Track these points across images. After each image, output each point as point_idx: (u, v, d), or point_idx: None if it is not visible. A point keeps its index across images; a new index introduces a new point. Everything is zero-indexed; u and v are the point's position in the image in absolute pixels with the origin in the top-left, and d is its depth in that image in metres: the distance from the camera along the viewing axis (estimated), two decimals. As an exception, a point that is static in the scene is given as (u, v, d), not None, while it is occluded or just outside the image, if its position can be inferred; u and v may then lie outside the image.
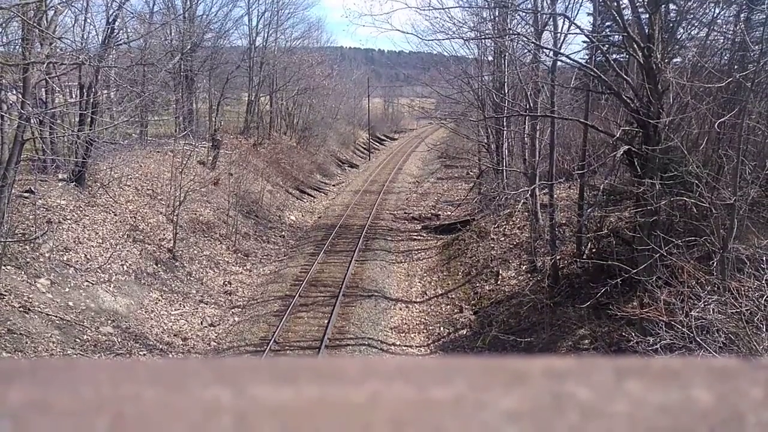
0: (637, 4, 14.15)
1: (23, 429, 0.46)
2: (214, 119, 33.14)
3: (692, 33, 15.97)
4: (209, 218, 23.18)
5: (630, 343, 10.10)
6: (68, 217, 17.20)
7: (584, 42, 24.26)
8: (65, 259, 15.67)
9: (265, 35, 38.83)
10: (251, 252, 22.80)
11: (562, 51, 18.40)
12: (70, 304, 14.41)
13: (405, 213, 30.02)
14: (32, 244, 15.15)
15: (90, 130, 17.71)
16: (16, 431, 0.46)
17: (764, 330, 8.20)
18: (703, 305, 8.90)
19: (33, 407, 0.48)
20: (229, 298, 18.50)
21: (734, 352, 8.19)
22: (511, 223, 21.93)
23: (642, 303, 11.93)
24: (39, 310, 13.41)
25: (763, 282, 8.65)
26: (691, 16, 14.98)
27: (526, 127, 21.99)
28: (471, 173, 34.86)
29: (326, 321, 15.62)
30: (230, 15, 37.55)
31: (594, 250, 16.77)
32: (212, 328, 16.31)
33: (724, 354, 8.07)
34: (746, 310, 8.45)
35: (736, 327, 8.50)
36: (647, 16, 13.99)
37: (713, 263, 10.98)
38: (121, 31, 21.61)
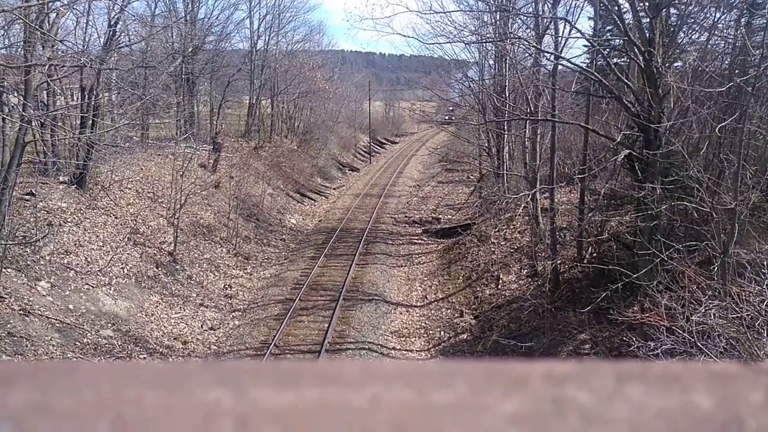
0: (638, 8, 14.18)
1: (24, 431, 0.46)
2: (215, 122, 33.18)
3: (693, 37, 16.00)
4: (210, 221, 23.19)
5: (631, 348, 10.08)
6: (69, 220, 17.21)
7: (585, 46, 24.30)
8: (66, 262, 15.67)
9: (267, 38, 38.94)
10: (252, 255, 22.80)
11: (563, 55, 18.44)
12: (71, 307, 14.41)
13: (406, 216, 30.01)
14: (33, 247, 15.16)
15: (91, 132, 17.74)
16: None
17: (765, 335, 8.18)
18: (704, 310, 8.88)
19: (34, 409, 0.48)
20: (230, 301, 18.48)
21: (735, 357, 8.17)
22: (511, 227, 21.92)
23: (643, 308, 11.91)
24: (39, 313, 13.41)
25: (764, 287, 8.64)
26: (692, 20, 15.00)
27: (527, 130, 22.01)
28: (472, 177, 34.86)
29: (327, 325, 15.60)
30: (232, 18, 37.55)
31: (595, 255, 16.76)
32: (212, 331, 16.29)
33: (725, 359, 8.06)
34: (747, 315, 8.44)
35: (737, 332, 8.48)
36: (648, 20, 14.02)
37: (714, 268, 10.98)
38: (122, 34, 21.66)
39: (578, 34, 18.35)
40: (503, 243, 21.35)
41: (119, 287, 16.27)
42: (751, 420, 0.49)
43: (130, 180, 21.60)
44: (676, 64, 15.72)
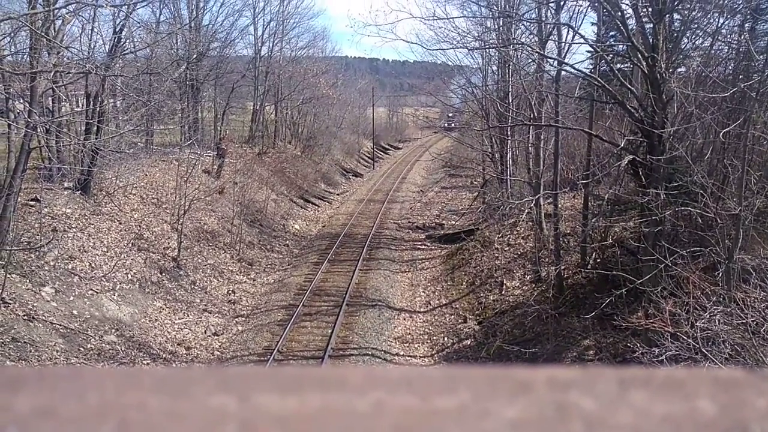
0: (642, 14, 14.19)
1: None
2: (219, 128, 33.28)
3: (697, 43, 15.99)
4: (214, 227, 23.23)
5: (635, 354, 10.04)
6: (73, 226, 17.25)
7: (588, 52, 24.32)
8: (70, 267, 15.70)
9: (271, 45, 39.07)
10: (255, 261, 22.81)
11: (566, 61, 18.44)
12: (75, 312, 14.43)
13: (409, 222, 29.99)
14: (37, 253, 15.20)
15: (96, 138, 17.81)
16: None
17: (771, 341, 8.14)
18: (708, 316, 8.84)
19: (39, 414, 0.48)
20: (233, 307, 18.48)
21: (740, 363, 8.13)
22: (515, 232, 21.89)
23: (647, 314, 11.86)
24: (43, 318, 13.43)
25: (769, 292, 8.60)
26: (696, 25, 15.00)
27: (531, 136, 22.00)
28: (475, 182, 34.85)
29: (330, 331, 15.59)
30: (236, 24, 37.61)
31: (599, 261, 16.71)
32: (216, 337, 16.29)
33: (729, 365, 8.02)
34: (752, 321, 8.40)
35: (742, 338, 8.44)
36: (651, 25, 14.01)
37: (719, 274, 10.93)
38: (127, 41, 21.78)
39: (581, 40, 18.43)
40: (507, 249, 21.31)
41: (123, 293, 16.29)
42: (756, 426, 0.49)
43: (135, 186, 21.66)
44: (679, 70, 15.69)
